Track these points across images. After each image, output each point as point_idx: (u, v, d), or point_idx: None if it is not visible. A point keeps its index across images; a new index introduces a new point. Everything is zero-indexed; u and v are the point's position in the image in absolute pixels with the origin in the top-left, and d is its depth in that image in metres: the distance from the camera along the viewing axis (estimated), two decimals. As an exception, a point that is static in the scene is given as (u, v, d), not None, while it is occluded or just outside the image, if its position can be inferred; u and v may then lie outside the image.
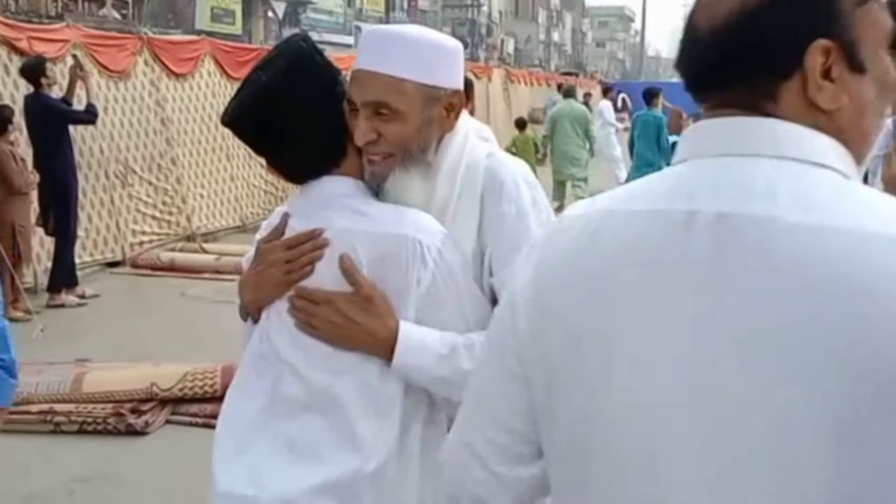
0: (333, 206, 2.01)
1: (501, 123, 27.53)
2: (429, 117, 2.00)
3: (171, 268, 10.73)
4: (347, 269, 1.97)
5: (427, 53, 2.00)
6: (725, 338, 1.08)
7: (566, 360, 1.21)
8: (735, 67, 1.19)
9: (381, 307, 1.96)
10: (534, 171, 9.96)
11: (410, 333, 1.96)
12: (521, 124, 16.79)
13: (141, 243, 11.39)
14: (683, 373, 1.11)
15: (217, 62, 13.33)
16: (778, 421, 1.04)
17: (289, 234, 2.05)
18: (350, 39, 42.19)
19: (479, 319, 1.99)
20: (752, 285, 1.07)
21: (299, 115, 1.99)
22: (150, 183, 11.79)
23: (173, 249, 11.44)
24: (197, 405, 6.10)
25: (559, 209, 16.00)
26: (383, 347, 1.96)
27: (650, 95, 13.63)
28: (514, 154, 15.89)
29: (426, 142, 2.02)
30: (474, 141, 2.13)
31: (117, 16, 27.24)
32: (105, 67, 11.02)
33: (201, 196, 12.86)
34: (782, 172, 1.13)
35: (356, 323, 1.95)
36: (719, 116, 1.21)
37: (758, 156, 1.15)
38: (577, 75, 45.53)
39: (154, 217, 11.83)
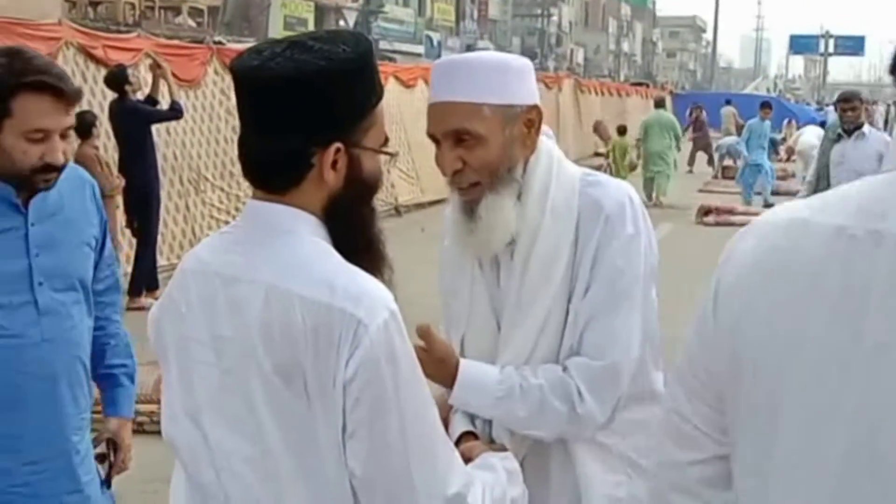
0: (269, 251, 1.62)
1: (571, 133, 27.45)
2: (510, 136, 2.00)
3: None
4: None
5: (497, 75, 2.00)
6: None
7: (760, 353, 1.20)
8: None
9: (438, 352, 2.01)
10: (627, 173, 10.18)
11: (468, 374, 2.02)
12: (621, 130, 19.85)
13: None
14: (864, 391, 1.10)
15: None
16: None
17: (201, 279, 1.69)
18: (420, 48, 42.45)
19: (422, 430, 1.60)
20: None
21: (316, 111, 1.61)
22: (222, 189, 11.92)
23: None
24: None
25: (651, 201, 17.08)
26: (445, 384, 2.04)
27: (764, 106, 18.33)
28: (613, 155, 17.51)
29: (512, 161, 2.01)
30: (562, 159, 2.11)
31: (192, 24, 27.70)
32: (176, 76, 11.17)
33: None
34: None
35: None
36: None
37: None
38: (647, 85, 45.27)
39: (226, 222, 11.94)
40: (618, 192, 2.06)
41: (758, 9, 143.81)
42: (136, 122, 8.97)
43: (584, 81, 32.59)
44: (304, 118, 1.60)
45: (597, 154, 24.30)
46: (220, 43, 15.76)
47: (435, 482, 1.60)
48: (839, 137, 8.46)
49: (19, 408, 2.37)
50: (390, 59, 29.90)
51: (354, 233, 1.68)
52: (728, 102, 30.04)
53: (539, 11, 64.29)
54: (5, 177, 2.38)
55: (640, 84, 47.63)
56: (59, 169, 2.44)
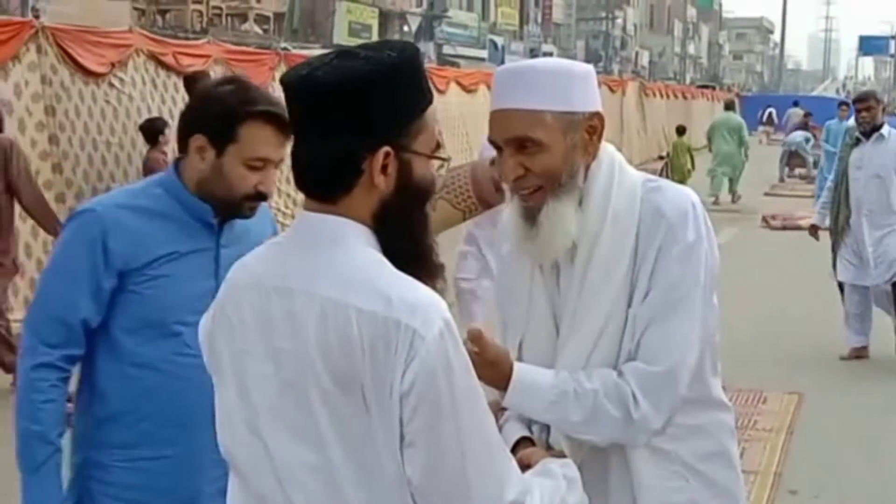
0: (322, 263, 1.63)
1: (636, 136, 27.29)
2: (572, 143, 2.01)
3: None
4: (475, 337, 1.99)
5: (558, 82, 2.01)
6: None
7: None
8: None
9: (490, 355, 2.01)
10: (687, 175, 9.99)
11: (522, 377, 2.03)
12: (680, 130, 20.07)
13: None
14: None
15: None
16: None
17: (255, 291, 1.70)
18: (484, 53, 42.44)
19: (478, 438, 1.62)
20: None
21: (363, 115, 1.62)
22: (287, 195, 12.04)
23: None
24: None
25: (715, 202, 17.14)
26: (499, 386, 2.04)
27: (842, 105, 17.54)
28: (672, 155, 17.87)
29: (573, 168, 2.02)
30: (624, 165, 2.12)
31: (258, 31, 28.02)
32: (246, 81, 11.32)
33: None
34: None
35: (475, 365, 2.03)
36: None
37: None
38: (713, 88, 44.79)
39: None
40: (680, 198, 2.06)
41: (826, 9, 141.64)
42: None
43: (649, 85, 32.35)
44: (351, 123, 1.61)
45: (659, 157, 24.14)
46: (286, 49, 15.91)
47: (492, 490, 1.62)
48: (857, 141, 7.82)
49: (204, 426, 2.39)
50: (453, 64, 29.99)
51: (407, 240, 1.68)
52: (796, 104, 29.70)
53: (604, 14, 63.90)
54: (210, 198, 2.44)
55: (705, 87, 47.13)
56: (266, 198, 2.51)
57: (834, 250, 7.99)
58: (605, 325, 2.04)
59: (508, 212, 2.12)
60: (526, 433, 2.10)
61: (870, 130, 7.68)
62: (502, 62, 39.25)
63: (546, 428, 2.10)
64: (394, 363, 1.54)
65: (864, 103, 7.77)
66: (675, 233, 2.01)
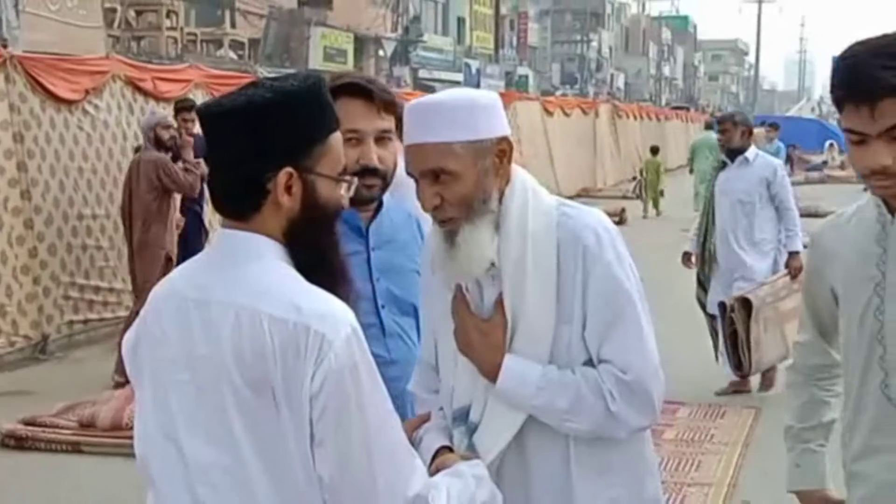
0: (237, 275, 1.76)
1: (609, 157, 27.52)
2: (483, 169, 2.14)
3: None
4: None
5: (464, 113, 2.13)
6: None
7: None
8: None
9: (492, 340, 2.17)
10: (660, 194, 12.69)
11: (512, 364, 2.16)
12: (654, 150, 21.18)
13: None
14: None
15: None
16: None
17: (172, 299, 1.84)
18: (459, 76, 42.65)
19: (384, 437, 1.75)
20: None
21: (265, 141, 1.76)
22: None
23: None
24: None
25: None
26: (488, 374, 2.18)
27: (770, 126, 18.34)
28: (644, 178, 19.07)
29: (486, 192, 2.15)
30: (537, 189, 2.25)
31: (234, 56, 28.10)
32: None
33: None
34: None
35: (473, 345, 2.19)
36: None
37: None
38: (687, 109, 45.12)
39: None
40: (592, 222, 2.19)
41: (801, 31, 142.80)
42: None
43: (622, 106, 32.63)
44: (254, 146, 1.75)
45: (633, 178, 24.43)
46: (261, 74, 16.07)
47: (397, 485, 1.74)
48: (724, 165, 7.49)
49: None
50: (429, 88, 30.11)
51: (316, 255, 1.81)
52: (762, 123, 30.00)
53: (579, 37, 64.40)
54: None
55: (680, 108, 47.48)
56: (377, 174, 2.57)
57: (700, 278, 7.61)
58: (538, 344, 2.16)
59: (432, 233, 2.24)
60: (445, 443, 2.22)
61: (730, 154, 7.37)
62: (478, 85, 39.44)
63: (468, 435, 2.21)
64: (304, 366, 1.67)
65: (722, 125, 7.56)
66: (594, 255, 2.15)
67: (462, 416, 2.24)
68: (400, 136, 2.40)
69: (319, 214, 1.82)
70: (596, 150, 26.17)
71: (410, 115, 2.17)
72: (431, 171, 2.12)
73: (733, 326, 6.79)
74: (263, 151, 1.76)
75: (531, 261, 2.15)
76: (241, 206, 1.79)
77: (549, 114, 23.08)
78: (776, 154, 15.02)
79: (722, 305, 6.97)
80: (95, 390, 6.89)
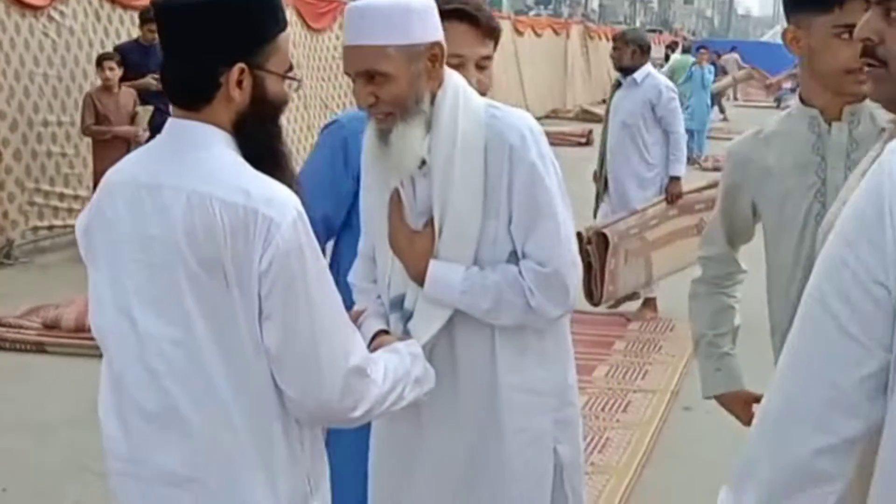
0: (189, 161, 1.90)
1: (580, 79, 27.51)
2: (416, 71, 2.26)
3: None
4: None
5: (400, 17, 2.24)
6: None
7: None
8: None
9: (420, 248, 2.33)
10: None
11: (436, 272, 2.32)
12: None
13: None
14: None
15: (299, 14, 13.59)
16: None
17: (131, 187, 1.95)
18: None
19: (326, 313, 1.91)
20: None
21: (221, 38, 1.88)
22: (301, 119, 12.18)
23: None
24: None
25: None
26: (415, 278, 2.35)
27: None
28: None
29: (418, 94, 2.28)
30: (471, 94, 2.38)
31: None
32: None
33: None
34: None
35: (402, 251, 2.36)
36: None
37: None
38: (660, 32, 44.96)
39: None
40: (519, 122, 2.34)
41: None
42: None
43: (595, 28, 32.48)
44: (210, 42, 1.87)
45: (603, 101, 24.50)
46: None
47: (338, 357, 1.91)
48: (619, 84, 7.37)
49: None
50: None
51: (261, 146, 1.94)
52: (733, 49, 30.00)
53: (554, -43, 63.70)
54: None
55: (653, 31, 47.26)
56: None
57: (597, 198, 7.59)
58: (465, 238, 2.32)
59: (367, 133, 2.37)
60: (383, 327, 2.39)
61: (623, 73, 7.24)
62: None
63: (403, 322, 2.38)
64: (252, 247, 1.82)
65: (615, 42, 7.46)
66: (519, 154, 2.29)
67: (398, 304, 2.40)
68: None
69: (267, 108, 1.95)
70: (566, 71, 26.15)
71: (348, 17, 2.28)
72: (366, 72, 2.24)
73: (588, 259, 6.63)
74: (219, 48, 1.88)
75: (459, 158, 2.29)
76: (194, 97, 1.92)
77: (520, 34, 22.98)
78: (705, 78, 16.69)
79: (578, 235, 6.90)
80: (60, 295, 7.02)
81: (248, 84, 1.91)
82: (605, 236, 6.86)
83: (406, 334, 2.35)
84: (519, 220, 2.31)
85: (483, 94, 2.62)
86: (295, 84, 2.02)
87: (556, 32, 25.62)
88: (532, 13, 43.71)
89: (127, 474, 1.96)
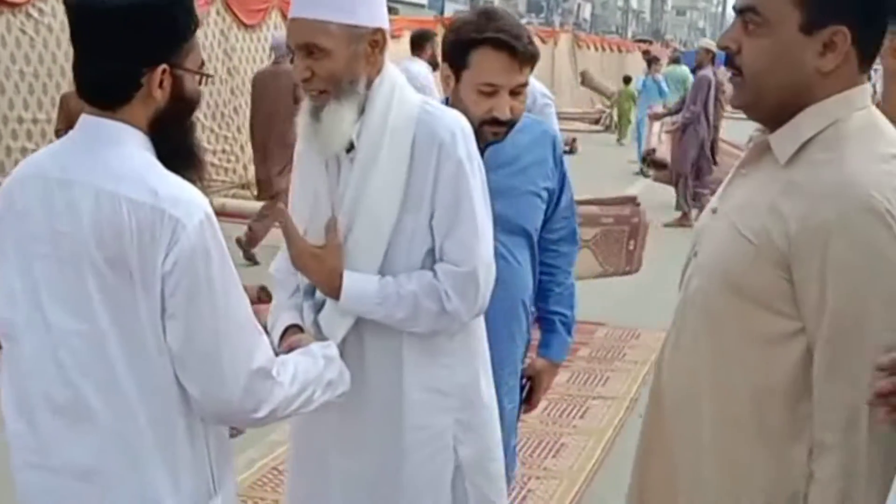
0: (100, 159, 1.91)
1: (568, 89, 27.53)
2: (355, 53, 2.29)
3: (222, 212, 11.07)
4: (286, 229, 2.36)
5: None
6: None
7: None
8: None
9: (329, 264, 2.34)
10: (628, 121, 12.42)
11: (350, 287, 2.34)
12: (626, 80, 21.82)
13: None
14: None
15: (284, 15, 13.62)
16: None
17: (31, 183, 1.97)
18: (424, 0, 42.27)
19: (231, 315, 1.92)
20: None
21: (144, 41, 1.90)
22: (211, 130, 12.19)
23: (226, 196, 11.82)
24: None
25: None
26: (330, 294, 2.36)
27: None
28: (619, 102, 20.21)
29: (354, 75, 2.30)
30: (407, 89, 2.40)
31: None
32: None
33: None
34: None
35: (311, 270, 2.37)
36: None
37: None
38: (650, 42, 45.04)
39: (212, 164, 12.21)
40: (451, 122, 2.36)
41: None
42: None
43: (584, 37, 32.57)
44: (132, 42, 1.88)
45: (603, 111, 24.72)
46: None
47: (240, 358, 1.92)
48: None
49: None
50: (392, 11, 29.85)
51: (175, 144, 1.97)
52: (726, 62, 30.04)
53: (547, -35, 63.88)
54: None
55: (643, 41, 47.36)
56: (506, 124, 2.67)
57: None
58: (378, 228, 2.33)
59: (301, 111, 2.38)
60: (297, 321, 2.42)
61: None
62: (442, 10, 39.05)
63: (315, 311, 2.40)
64: (157, 247, 1.84)
65: None
66: (448, 151, 2.32)
67: (310, 291, 2.43)
68: None
69: (183, 106, 1.98)
70: (554, 79, 26.18)
71: None
72: (306, 45, 2.27)
73: None
74: (141, 49, 1.90)
75: (385, 147, 2.31)
76: (111, 97, 1.93)
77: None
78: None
79: None
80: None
81: (167, 84, 1.93)
82: None
83: (316, 325, 2.37)
84: (440, 217, 2.33)
85: (515, 122, 2.67)
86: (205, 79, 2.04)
87: (543, 41, 25.56)
88: (523, 21, 43.76)
89: (35, 467, 1.97)
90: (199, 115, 9.25)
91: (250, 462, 4.76)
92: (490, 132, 2.66)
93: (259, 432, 4.23)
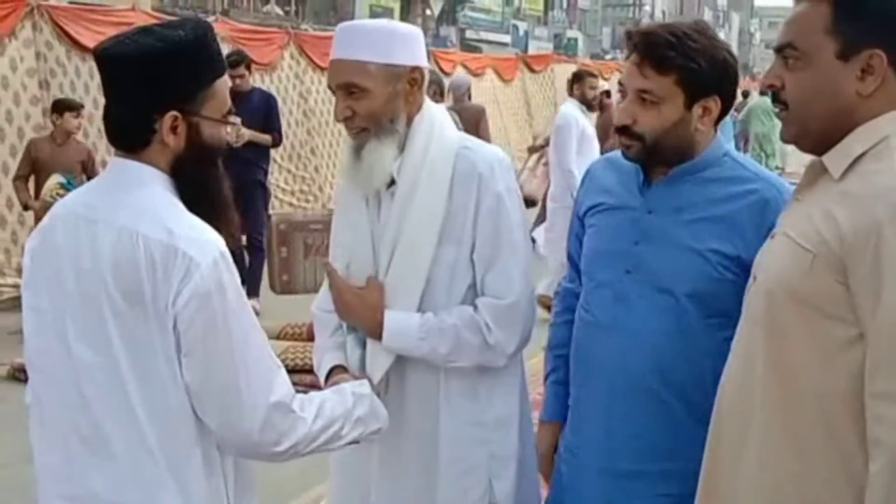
0: (123, 199, 1.97)
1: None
2: (394, 91, 2.33)
3: (302, 250, 11.22)
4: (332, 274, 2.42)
5: (384, 38, 2.34)
6: None
7: None
8: None
9: (370, 302, 2.37)
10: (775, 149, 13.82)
11: (392, 324, 2.36)
12: (745, 94, 21.70)
13: (278, 228, 11.91)
14: None
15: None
16: None
17: (56, 219, 2.05)
18: (507, 38, 42.54)
19: (247, 349, 1.96)
20: None
21: (152, 87, 1.95)
22: (289, 171, 12.38)
23: (306, 237, 11.93)
24: (297, 375, 6.45)
25: (781, 173, 17.55)
26: (372, 333, 2.39)
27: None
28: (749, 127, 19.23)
29: (394, 113, 2.35)
30: (448, 127, 2.44)
31: (280, 12, 28.27)
32: (254, 60, 11.57)
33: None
34: None
35: (353, 310, 2.39)
36: None
37: None
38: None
39: (291, 204, 12.39)
40: (490, 155, 2.40)
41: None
42: None
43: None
44: (144, 91, 1.96)
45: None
46: (305, 30, 16.28)
47: (258, 393, 1.95)
48: None
49: (598, 375, 2.38)
50: (476, 49, 30.09)
51: (197, 189, 2.02)
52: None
53: (630, 1, 63.82)
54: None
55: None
56: (629, 132, 2.26)
57: None
58: (417, 259, 2.34)
59: (343, 150, 2.43)
60: (341, 361, 2.43)
61: None
62: (525, 49, 39.22)
63: (360, 346, 2.42)
64: (169, 283, 1.89)
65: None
66: (487, 184, 2.34)
67: (354, 327, 2.44)
68: None
69: (203, 152, 2.02)
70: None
71: (337, 34, 2.37)
72: (346, 85, 2.33)
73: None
74: (152, 95, 1.96)
75: (425, 182, 2.34)
76: (132, 140, 2.00)
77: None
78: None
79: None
80: None
81: (182, 130, 1.98)
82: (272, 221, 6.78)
83: (362, 361, 2.39)
84: (481, 249, 2.35)
85: (643, 133, 2.28)
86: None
87: (604, 77, 25.56)
88: (608, 57, 43.77)
89: (68, 498, 2.01)
90: (275, 156, 9.31)
91: (318, 498, 4.74)
92: (622, 144, 2.34)
93: (322, 469, 4.20)
